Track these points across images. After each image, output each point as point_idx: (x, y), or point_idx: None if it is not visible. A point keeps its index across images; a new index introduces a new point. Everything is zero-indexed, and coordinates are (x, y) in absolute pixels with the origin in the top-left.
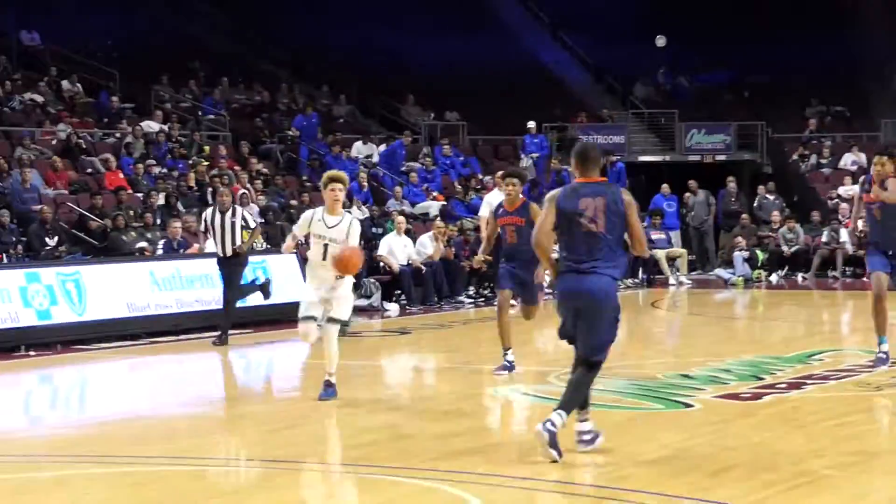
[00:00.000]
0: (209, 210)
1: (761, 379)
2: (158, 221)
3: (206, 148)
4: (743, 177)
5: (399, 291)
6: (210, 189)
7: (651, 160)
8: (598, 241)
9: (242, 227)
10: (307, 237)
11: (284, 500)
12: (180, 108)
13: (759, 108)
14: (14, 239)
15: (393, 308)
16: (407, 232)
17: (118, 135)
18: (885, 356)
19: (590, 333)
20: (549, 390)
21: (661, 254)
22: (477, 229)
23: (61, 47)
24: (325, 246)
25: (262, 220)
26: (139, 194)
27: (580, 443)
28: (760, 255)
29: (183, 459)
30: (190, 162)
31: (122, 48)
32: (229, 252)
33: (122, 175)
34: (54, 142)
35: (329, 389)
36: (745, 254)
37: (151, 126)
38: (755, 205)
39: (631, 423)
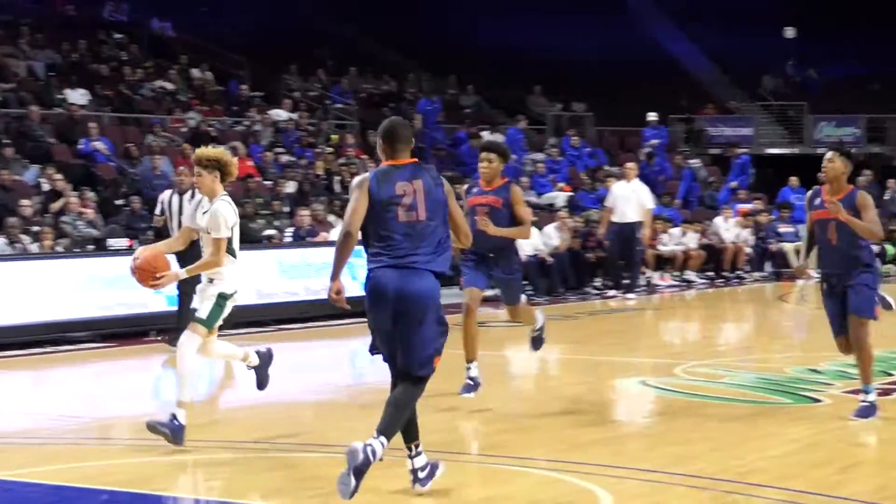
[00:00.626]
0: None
1: (891, 375)
2: (287, 210)
3: (334, 137)
4: (873, 170)
5: (525, 282)
6: (337, 178)
7: (778, 153)
8: (420, 231)
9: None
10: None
11: (411, 489)
12: (308, 97)
13: (889, 101)
14: (145, 225)
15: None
16: (533, 223)
17: (247, 123)
18: None
19: (413, 343)
20: (675, 383)
21: (789, 247)
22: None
23: (192, 36)
24: None
25: None
26: (268, 182)
27: (418, 482)
28: (890, 250)
29: (309, 446)
30: (318, 150)
31: (252, 37)
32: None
33: (250, 163)
34: (184, 129)
35: None
36: (876, 248)
37: (280, 114)
38: (885, 198)
39: (758, 418)
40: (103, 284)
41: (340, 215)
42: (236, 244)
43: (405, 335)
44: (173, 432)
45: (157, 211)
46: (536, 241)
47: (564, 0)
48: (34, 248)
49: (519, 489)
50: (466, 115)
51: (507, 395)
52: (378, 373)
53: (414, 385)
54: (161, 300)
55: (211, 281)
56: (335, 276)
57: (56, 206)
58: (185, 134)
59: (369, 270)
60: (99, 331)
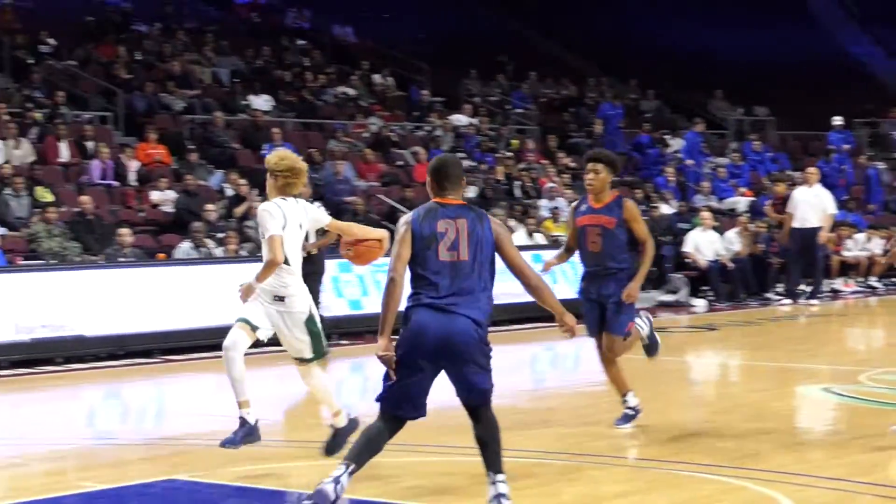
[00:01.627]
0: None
1: None
2: None
3: (515, 142)
4: None
5: (706, 287)
6: (518, 183)
7: None
8: (461, 270)
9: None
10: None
11: (595, 494)
12: (489, 102)
13: None
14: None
15: (700, 304)
16: (714, 227)
17: (428, 128)
18: None
19: (469, 381)
20: (860, 390)
21: None
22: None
23: (374, 42)
24: None
25: None
26: None
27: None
28: None
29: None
30: (498, 155)
31: (433, 43)
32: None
33: None
34: (366, 135)
35: None
36: None
37: (460, 119)
38: None
39: None
40: None
41: (521, 220)
42: (291, 253)
43: (457, 374)
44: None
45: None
46: (717, 246)
47: (745, 3)
48: (218, 252)
49: (702, 495)
50: (647, 119)
51: (688, 401)
52: (561, 377)
53: (488, 417)
54: (344, 304)
55: (282, 299)
56: (383, 331)
57: (240, 210)
58: (366, 139)
59: (407, 308)
60: None
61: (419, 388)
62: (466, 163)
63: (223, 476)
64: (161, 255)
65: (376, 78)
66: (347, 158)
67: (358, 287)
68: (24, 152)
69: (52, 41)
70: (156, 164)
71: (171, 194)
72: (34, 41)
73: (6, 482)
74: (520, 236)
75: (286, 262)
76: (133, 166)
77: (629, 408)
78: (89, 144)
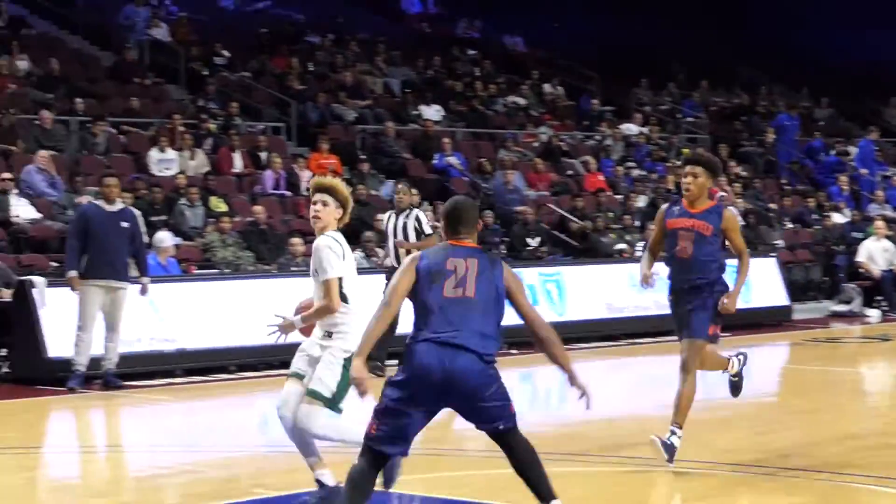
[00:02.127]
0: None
1: None
2: (638, 224)
3: (686, 151)
4: None
5: (880, 297)
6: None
7: None
8: (466, 307)
9: (417, 232)
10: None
11: None
12: (659, 111)
13: None
14: (497, 239)
15: (874, 314)
16: (888, 237)
17: (598, 137)
18: None
19: (481, 412)
20: None
21: None
22: None
23: (543, 51)
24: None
25: (744, 224)
26: (618, 197)
27: None
28: None
29: (657, 460)
30: (669, 165)
31: (603, 52)
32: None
33: (601, 177)
34: (536, 144)
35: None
36: None
37: (631, 129)
38: None
39: None
40: None
41: None
42: (349, 288)
43: (472, 410)
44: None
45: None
46: (892, 256)
47: None
48: (388, 261)
49: None
50: (819, 127)
51: (861, 412)
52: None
53: (518, 442)
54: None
55: (329, 335)
56: (361, 352)
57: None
58: (536, 149)
59: (409, 344)
60: None
61: (415, 427)
62: (636, 172)
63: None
64: None
65: (546, 87)
66: (518, 168)
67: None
68: (198, 163)
69: (226, 53)
70: (328, 173)
71: None
72: (209, 53)
73: (180, 489)
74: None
75: (344, 300)
76: (305, 176)
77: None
78: (262, 155)
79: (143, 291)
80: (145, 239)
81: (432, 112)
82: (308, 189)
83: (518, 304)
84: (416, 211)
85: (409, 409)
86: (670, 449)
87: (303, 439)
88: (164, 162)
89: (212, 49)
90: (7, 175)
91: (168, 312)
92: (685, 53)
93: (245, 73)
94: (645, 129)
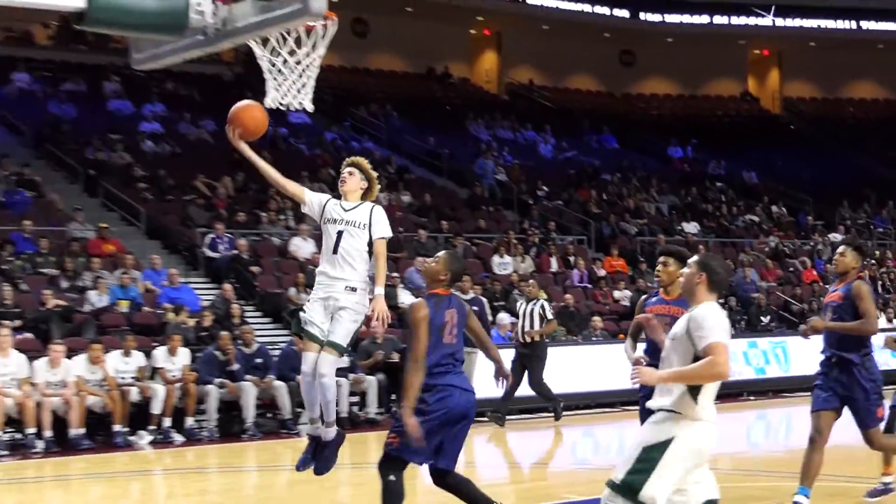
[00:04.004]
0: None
1: None
2: None
3: (878, 253)
4: None
5: None
6: (880, 282)
7: None
8: (457, 352)
9: (541, 317)
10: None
11: None
12: (857, 224)
13: None
14: (738, 318)
15: None
16: None
17: (812, 243)
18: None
19: (459, 447)
20: None
21: None
22: None
23: (771, 181)
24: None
25: None
26: (828, 286)
27: None
28: None
29: None
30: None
31: (815, 181)
32: (525, 339)
33: (815, 272)
34: (766, 249)
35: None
36: None
37: (836, 237)
38: None
39: None
40: None
41: (882, 309)
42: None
43: (455, 440)
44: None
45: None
46: None
47: None
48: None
49: None
50: None
51: None
52: None
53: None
54: (751, 371)
55: (354, 290)
56: (412, 403)
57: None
58: (767, 252)
59: (437, 384)
60: None
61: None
62: None
63: None
64: (621, 336)
65: (774, 208)
66: (753, 266)
67: (762, 358)
68: (526, 265)
69: (545, 188)
70: (616, 272)
71: (628, 293)
72: (533, 188)
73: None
74: (882, 321)
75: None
76: (601, 273)
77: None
78: (571, 259)
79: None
80: (490, 318)
81: (691, 227)
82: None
83: (470, 325)
84: (541, 301)
85: (445, 430)
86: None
87: (317, 393)
88: (503, 264)
89: (535, 185)
90: (395, 274)
91: None
92: (875, 182)
93: (558, 201)
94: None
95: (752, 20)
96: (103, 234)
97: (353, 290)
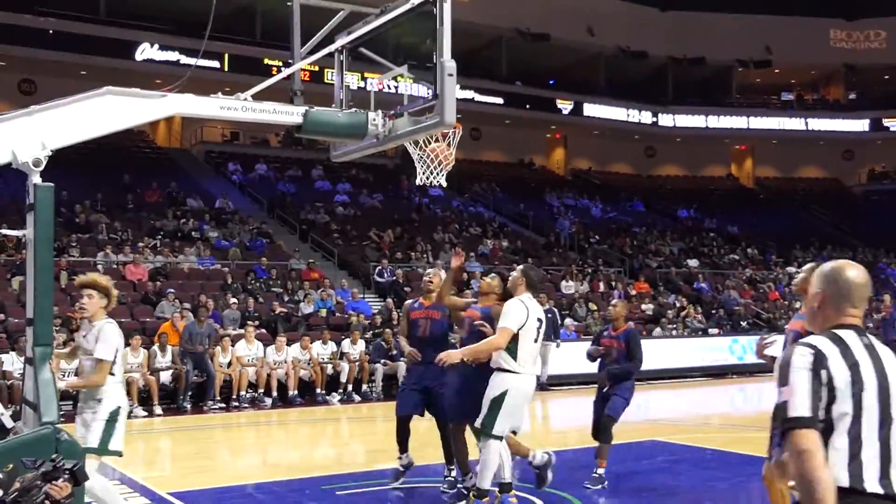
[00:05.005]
0: None
1: None
2: None
3: None
4: None
5: None
6: None
7: None
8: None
9: None
10: None
11: None
12: (806, 261)
13: None
14: (724, 322)
15: None
16: None
17: (774, 274)
18: None
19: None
20: None
21: None
22: None
23: (749, 232)
24: None
25: None
26: None
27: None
28: None
29: None
30: None
31: (775, 233)
32: None
33: (777, 293)
34: (744, 277)
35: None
36: None
37: (791, 269)
38: None
39: None
40: None
41: None
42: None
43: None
44: None
45: None
46: None
47: None
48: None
49: None
50: None
51: None
52: None
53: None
54: None
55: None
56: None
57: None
58: (744, 279)
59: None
60: None
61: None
62: None
63: None
64: (644, 332)
65: (749, 250)
66: (735, 288)
67: (742, 350)
68: (583, 287)
69: (596, 237)
70: (643, 292)
71: (651, 305)
72: (587, 237)
73: None
74: None
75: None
76: (633, 292)
77: None
78: (612, 283)
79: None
80: (559, 322)
81: (693, 262)
82: None
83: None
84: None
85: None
86: None
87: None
88: (567, 287)
89: (588, 235)
90: None
91: None
92: (818, 233)
93: (604, 245)
94: None
95: (733, 123)
96: (311, 266)
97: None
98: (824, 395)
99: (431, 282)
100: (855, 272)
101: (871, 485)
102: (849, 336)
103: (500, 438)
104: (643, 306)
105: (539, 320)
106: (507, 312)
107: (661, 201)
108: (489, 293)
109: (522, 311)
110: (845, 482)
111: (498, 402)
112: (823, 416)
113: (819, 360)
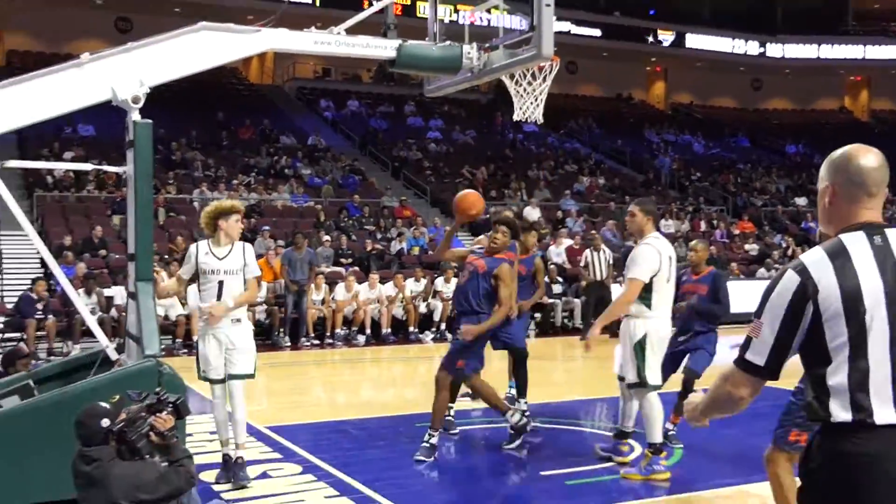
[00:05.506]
0: None
1: None
2: None
3: None
4: None
5: None
6: None
7: None
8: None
9: None
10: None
11: None
12: None
13: None
14: None
15: None
16: None
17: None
18: None
19: None
20: None
21: None
22: None
23: None
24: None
25: None
26: None
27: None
28: None
29: None
30: None
31: (892, 170)
32: None
33: None
34: None
35: (238, 473)
36: None
37: None
38: None
39: None
40: None
41: None
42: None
43: None
44: None
45: None
46: None
47: None
48: None
49: None
50: None
51: None
52: None
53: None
54: None
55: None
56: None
57: None
58: None
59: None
60: None
61: None
62: None
63: None
64: (743, 273)
65: None
66: None
67: None
68: (684, 226)
69: (697, 174)
70: (746, 231)
71: (755, 246)
72: (688, 174)
73: None
74: None
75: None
76: (736, 232)
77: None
78: (714, 222)
79: None
80: None
81: (801, 201)
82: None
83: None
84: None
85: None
86: None
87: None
88: (667, 226)
89: (689, 172)
90: (593, 232)
91: None
92: None
93: (706, 183)
94: None
95: (848, 53)
96: (403, 204)
97: None
98: (807, 330)
99: (496, 241)
100: (867, 155)
101: (884, 415)
102: (856, 242)
103: (657, 388)
104: (746, 246)
105: (670, 258)
106: (637, 261)
107: (768, 136)
108: (502, 248)
109: (654, 257)
110: (847, 416)
111: (639, 350)
112: (814, 350)
113: (805, 290)
